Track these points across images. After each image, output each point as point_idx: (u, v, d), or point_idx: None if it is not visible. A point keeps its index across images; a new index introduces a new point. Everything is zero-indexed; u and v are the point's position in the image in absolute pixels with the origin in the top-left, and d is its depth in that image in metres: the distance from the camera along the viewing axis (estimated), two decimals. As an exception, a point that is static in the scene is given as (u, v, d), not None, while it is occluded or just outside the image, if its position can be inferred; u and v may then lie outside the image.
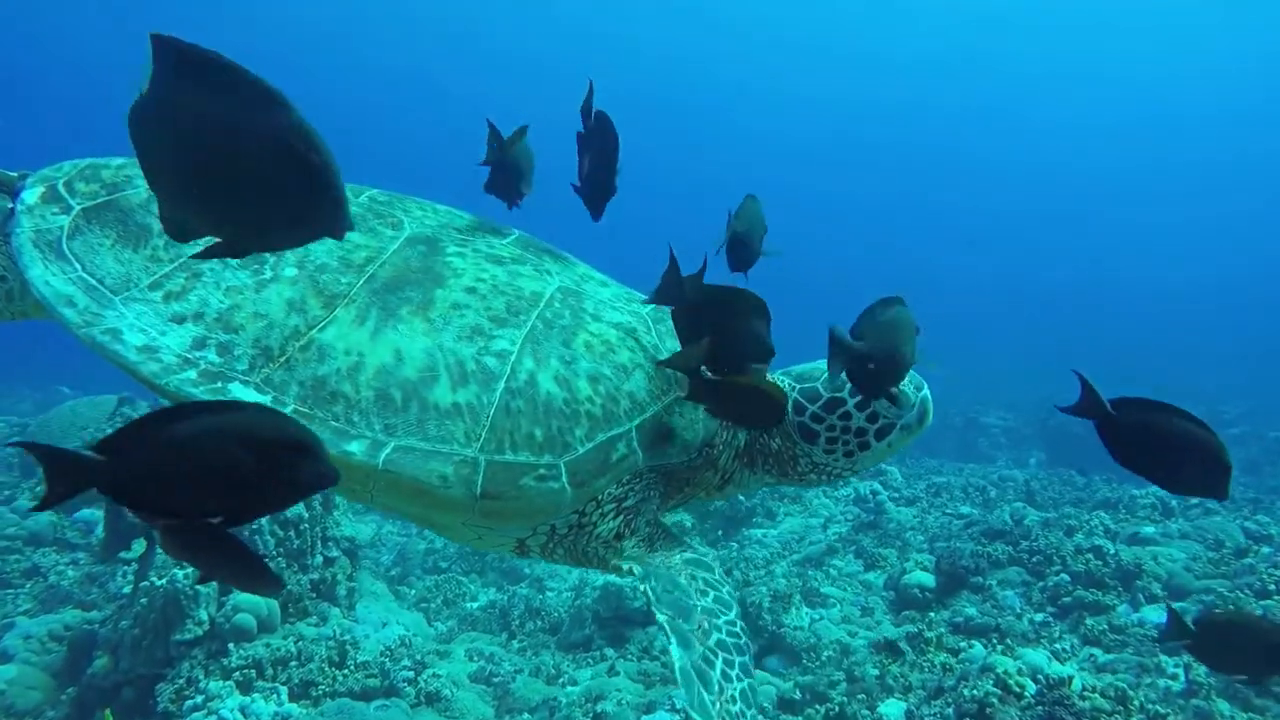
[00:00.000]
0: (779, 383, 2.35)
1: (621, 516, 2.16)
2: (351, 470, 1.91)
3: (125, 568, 6.56)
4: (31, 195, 2.19)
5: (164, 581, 5.20)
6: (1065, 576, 6.31)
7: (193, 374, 1.93)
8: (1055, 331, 40.42)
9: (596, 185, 2.62)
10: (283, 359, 1.97)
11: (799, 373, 2.39)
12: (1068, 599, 6.14)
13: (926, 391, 2.33)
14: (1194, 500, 8.82)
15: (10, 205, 2.24)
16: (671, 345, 2.26)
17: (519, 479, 1.98)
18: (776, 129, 59.22)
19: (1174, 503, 8.49)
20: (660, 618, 2.00)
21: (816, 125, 58.75)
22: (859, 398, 2.25)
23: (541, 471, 2.00)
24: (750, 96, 58.14)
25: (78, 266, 2.06)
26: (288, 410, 1.90)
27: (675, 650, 1.93)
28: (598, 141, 2.60)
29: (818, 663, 5.67)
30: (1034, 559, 6.59)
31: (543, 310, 2.18)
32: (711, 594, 2.10)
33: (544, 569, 8.45)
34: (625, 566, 2.15)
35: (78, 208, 2.16)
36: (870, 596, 6.90)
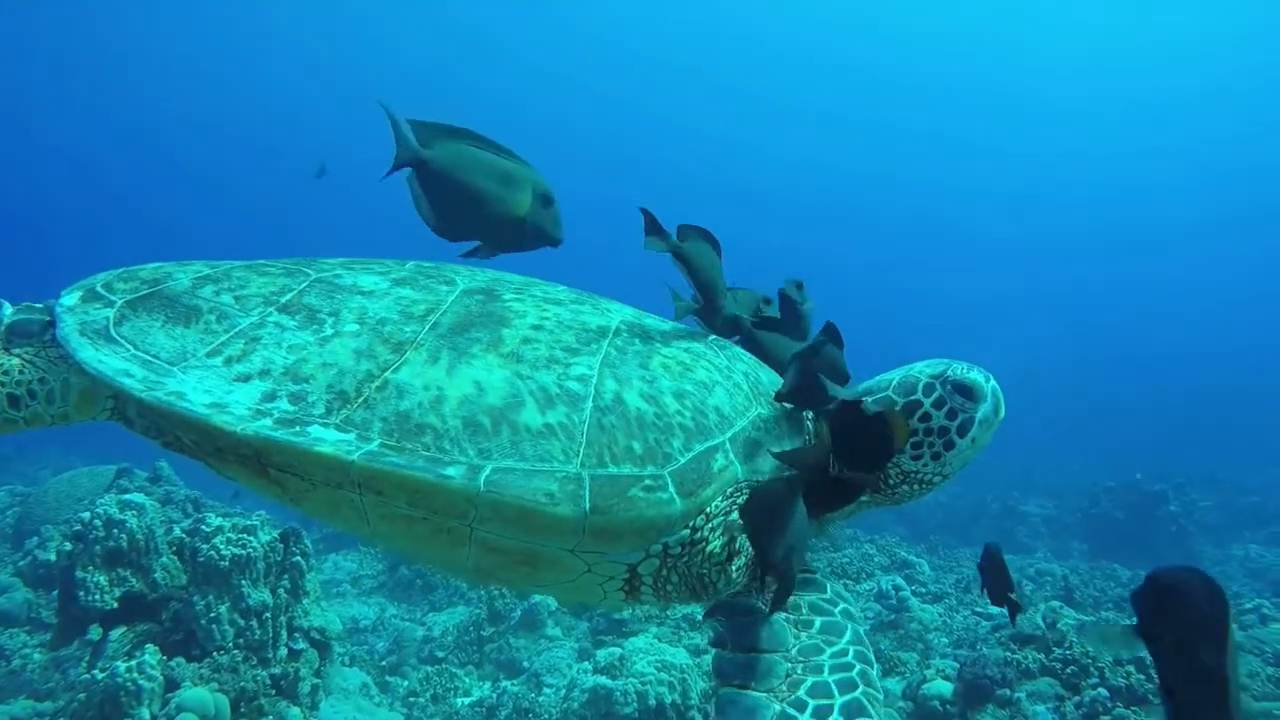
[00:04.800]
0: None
1: (729, 533, 2.07)
2: (452, 496, 1.84)
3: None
4: (70, 298, 2.21)
5: (104, 676, 4.80)
6: (1104, 691, 5.67)
7: (268, 422, 1.89)
8: (1103, 410, 39.10)
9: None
10: (360, 400, 1.94)
11: (865, 387, 2.35)
12: (1106, 718, 5.48)
13: (995, 383, 2.29)
14: (1248, 605, 8.11)
15: (45, 319, 2.30)
16: (740, 367, 2.33)
17: (626, 490, 1.92)
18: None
19: (1226, 607, 7.79)
20: (720, 693, 1.87)
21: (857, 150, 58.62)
22: (934, 395, 2.23)
23: (648, 482, 1.94)
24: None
25: (129, 347, 2.06)
26: (374, 446, 1.86)
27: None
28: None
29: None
30: (1069, 669, 5.95)
31: (612, 339, 2.20)
32: (817, 622, 1.97)
33: (545, 662, 7.93)
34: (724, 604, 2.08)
35: (120, 300, 2.19)
36: (885, 708, 6.28)
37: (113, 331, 2.09)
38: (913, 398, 2.23)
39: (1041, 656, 6.15)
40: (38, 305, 2.38)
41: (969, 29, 51.68)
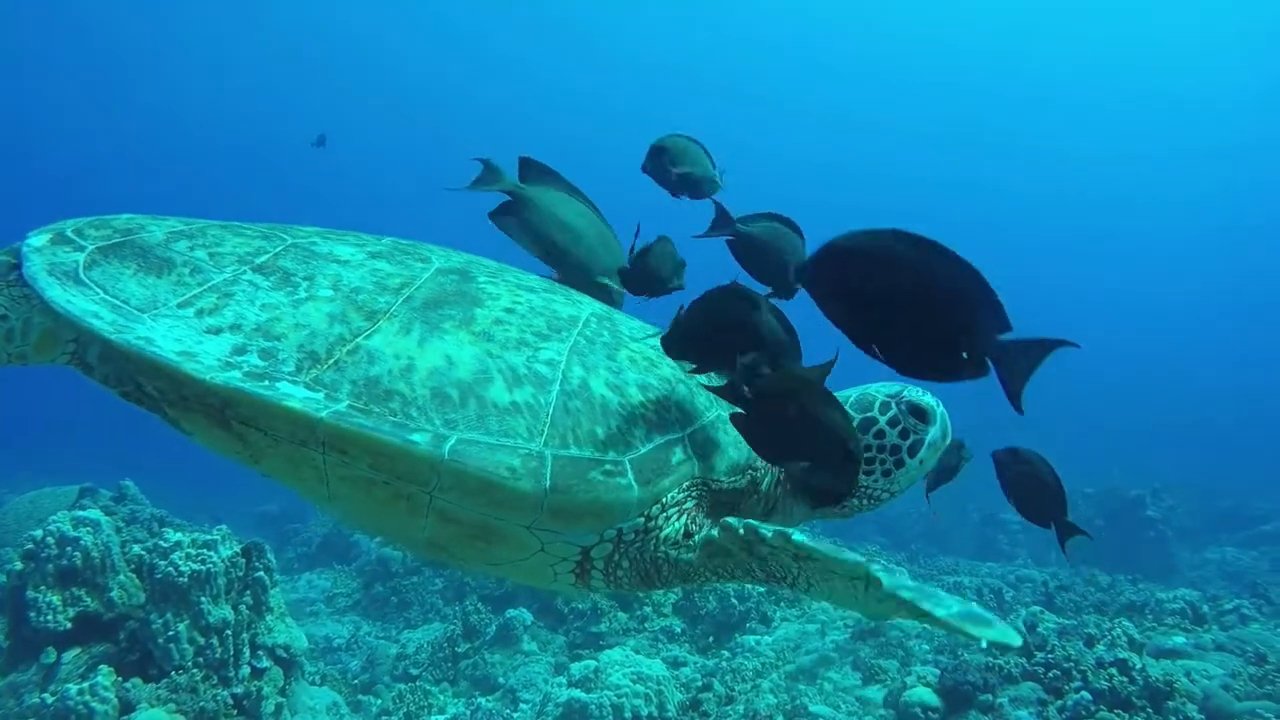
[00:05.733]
0: None
1: (685, 516, 2.11)
2: (416, 462, 1.86)
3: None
4: (38, 239, 2.15)
5: (54, 699, 4.61)
6: (1086, 694, 5.58)
7: (238, 374, 1.87)
8: (1080, 419, 39.18)
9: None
10: (331, 361, 1.94)
11: None
12: (1090, 721, 5.40)
13: (943, 408, 2.37)
14: (1228, 606, 8.07)
15: (10, 260, 2.21)
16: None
17: (587, 473, 1.95)
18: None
19: (1205, 608, 7.74)
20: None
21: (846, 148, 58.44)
22: (890, 414, 2.30)
23: (608, 467, 1.98)
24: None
25: (99, 291, 2.01)
26: (341, 406, 1.86)
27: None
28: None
29: (800, 799, 4.94)
30: (1050, 673, 5.86)
31: (582, 329, 2.23)
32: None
33: (521, 677, 7.77)
34: (706, 536, 2.05)
35: (91, 246, 2.14)
36: (866, 717, 6.17)
37: (82, 275, 2.05)
38: (869, 415, 2.32)
39: (1023, 661, 6.06)
40: None
41: (975, 24, 51.73)
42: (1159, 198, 54.84)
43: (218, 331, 1.97)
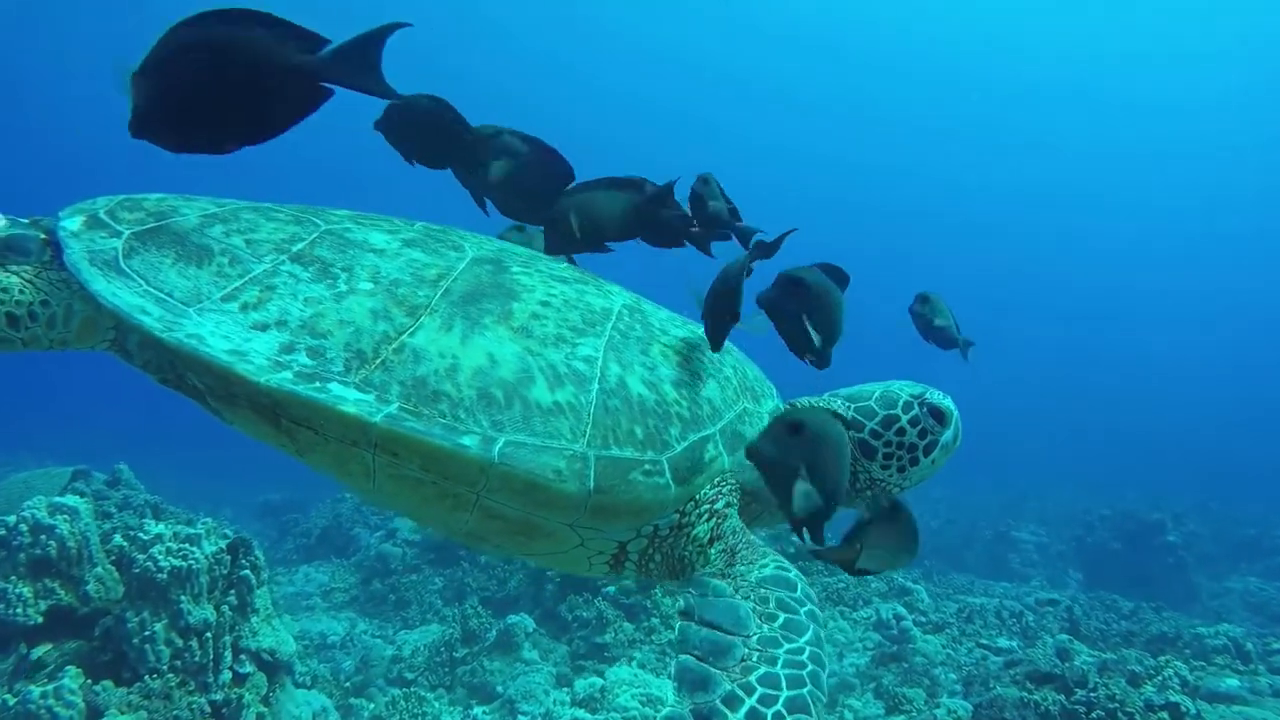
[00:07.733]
0: (830, 404, 2.45)
1: (713, 520, 2.17)
2: (466, 465, 1.90)
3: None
4: (73, 223, 2.12)
5: (15, 701, 4.24)
6: (1134, 739, 5.16)
7: (289, 375, 1.88)
8: (1095, 438, 38.54)
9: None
10: (378, 361, 1.95)
11: (849, 394, 2.49)
12: (1138, 769, 4.98)
13: (958, 412, 2.44)
14: (1276, 645, 7.61)
15: (41, 237, 2.21)
16: (729, 360, 2.41)
17: (628, 474, 2.00)
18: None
19: (1249, 646, 7.29)
20: (679, 660, 1.89)
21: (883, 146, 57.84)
22: (912, 414, 2.39)
23: (647, 467, 2.03)
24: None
25: (141, 283, 2.00)
26: (393, 409, 1.88)
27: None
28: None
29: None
30: (1094, 714, 5.43)
31: (615, 323, 2.26)
32: (781, 618, 1.95)
33: (520, 688, 7.38)
34: (697, 582, 2.06)
35: (127, 232, 2.11)
36: (892, 751, 5.77)
37: (123, 264, 2.03)
38: (892, 412, 2.40)
39: (1062, 699, 5.63)
40: (23, 220, 2.26)
41: (988, 21, 51.23)
42: (1215, 195, 53.86)
43: (264, 328, 1.96)
